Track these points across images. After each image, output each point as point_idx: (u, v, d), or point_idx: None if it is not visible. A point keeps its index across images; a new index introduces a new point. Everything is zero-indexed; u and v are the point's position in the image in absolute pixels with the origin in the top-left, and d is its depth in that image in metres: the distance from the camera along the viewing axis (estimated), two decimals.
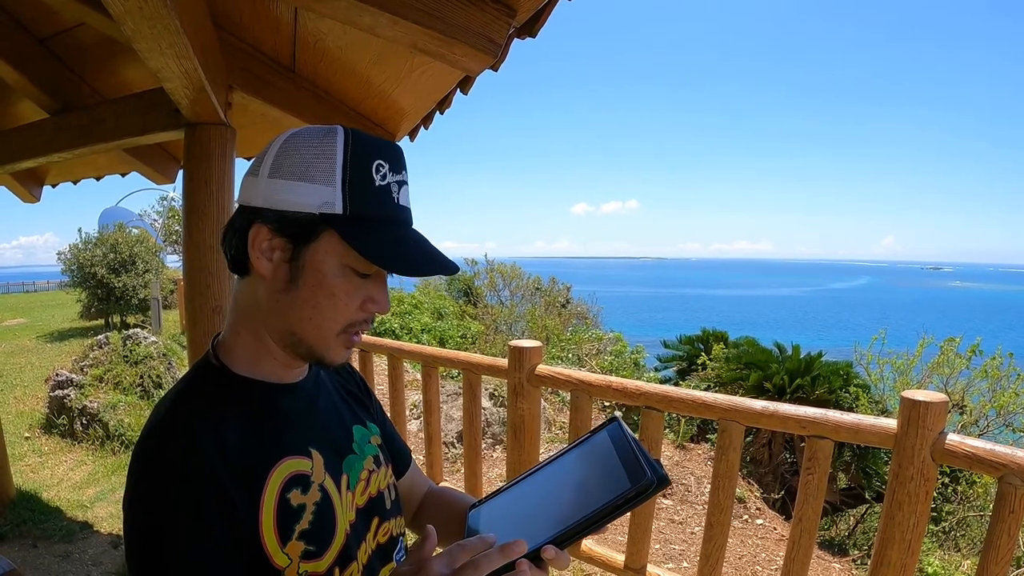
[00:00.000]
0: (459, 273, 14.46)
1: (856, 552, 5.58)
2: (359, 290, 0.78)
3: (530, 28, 1.60)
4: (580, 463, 0.79)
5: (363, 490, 0.90)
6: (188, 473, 0.69)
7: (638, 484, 0.66)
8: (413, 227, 0.81)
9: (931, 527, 5.74)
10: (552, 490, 0.79)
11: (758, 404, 2.13)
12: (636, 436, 0.77)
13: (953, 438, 1.76)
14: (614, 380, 2.54)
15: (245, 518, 0.71)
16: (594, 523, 0.68)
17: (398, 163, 0.78)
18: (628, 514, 0.73)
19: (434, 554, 0.70)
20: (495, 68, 1.71)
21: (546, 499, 0.78)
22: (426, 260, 0.77)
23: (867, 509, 6.71)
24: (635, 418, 5.48)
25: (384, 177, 0.76)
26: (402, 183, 0.78)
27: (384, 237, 0.75)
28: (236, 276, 0.82)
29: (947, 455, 1.76)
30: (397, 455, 1.07)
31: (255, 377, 0.81)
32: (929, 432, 1.78)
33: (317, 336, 0.78)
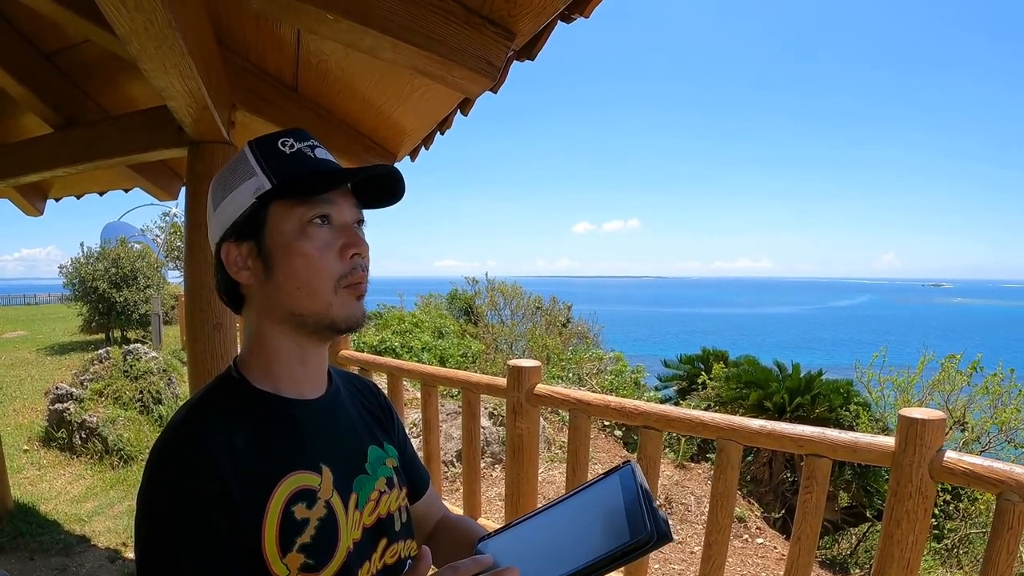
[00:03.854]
0: (460, 292, 14.46)
1: (857, 571, 5.54)
2: (328, 242, 0.82)
3: (529, 51, 1.63)
4: (588, 507, 0.79)
5: (372, 510, 0.90)
6: (196, 473, 0.73)
7: (637, 538, 0.66)
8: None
9: (933, 544, 5.71)
10: (557, 532, 0.79)
11: (755, 423, 2.13)
12: (643, 477, 0.77)
13: (951, 455, 1.76)
14: (612, 400, 2.55)
15: (248, 524, 0.74)
16: (588, 574, 0.68)
17: (301, 136, 0.86)
18: None
19: (428, 575, 0.71)
20: (495, 90, 1.74)
21: (549, 540, 0.78)
22: (349, 171, 0.84)
23: (869, 527, 6.67)
24: (634, 437, 5.47)
25: (292, 147, 0.84)
26: (314, 147, 0.85)
27: (309, 176, 0.82)
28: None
29: (945, 472, 1.76)
30: (415, 479, 1.07)
31: (273, 391, 0.85)
32: (927, 449, 1.78)
33: (313, 302, 0.81)
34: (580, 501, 0.81)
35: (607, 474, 0.81)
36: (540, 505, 0.88)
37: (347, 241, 0.82)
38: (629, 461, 0.81)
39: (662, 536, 0.66)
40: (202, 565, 0.71)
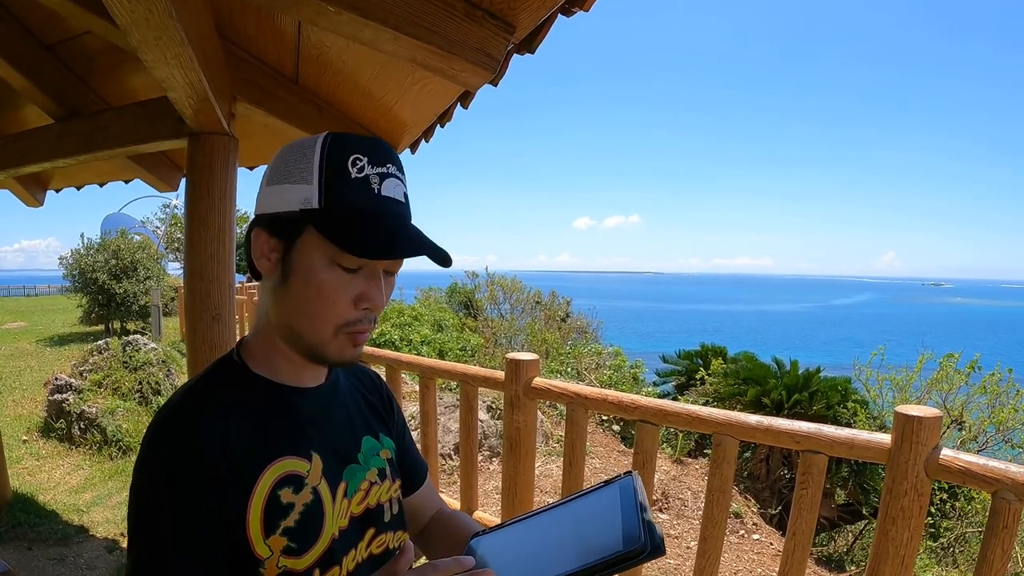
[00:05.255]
0: (460, 286, 14.47)
1: (853, 568, 5.56)
2: (348, 287, 0.79)
3: (529, 44, 1.63)
4: (584, 513, 0.79)
5: (361, 500, 0.91)
6: (188, 452, 0.75)
7: (629, 549, 0.66)
8: (404, 218, 0.80)
9: (929, 543, 5.73)
10: (550, 536, 0.79)
11: (752, 419, 2.14)
12: (643, 489, 0.77)
13: (947, 453, 1.77)
14: (610, 393, 2.55)
15: (235, 504, 0.75)
16: None
17: (379, 156, 0.78)
18: None
19: (411, 567, 0.71)
20: (495, 83, 1.74)
21: (542, 544, 0.78)
22: (403, 242, 0.77)
23: (866, 525, 6.70)
24: (632, 432, 5.49)
25: (362, 170, 0.77)
26: (385, 175, 0.78)
27: (359, 225, 0.76)
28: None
29: (941, 470, 1.77)
30: (411, 471, 1.08)
31: (271, 378, 0.86)
32: (923, 447, 1.78)
33: (312, 332, 0.81)
34: (577, 507, 0.81)
35: (608, 483, 0.81)
36: (537, 506, 0.88)
37: (364, 292, 0.79)
38: (631, 472, 0.81)
39: (655, 548, 0.67)
40: (188, 540, 0.73)
